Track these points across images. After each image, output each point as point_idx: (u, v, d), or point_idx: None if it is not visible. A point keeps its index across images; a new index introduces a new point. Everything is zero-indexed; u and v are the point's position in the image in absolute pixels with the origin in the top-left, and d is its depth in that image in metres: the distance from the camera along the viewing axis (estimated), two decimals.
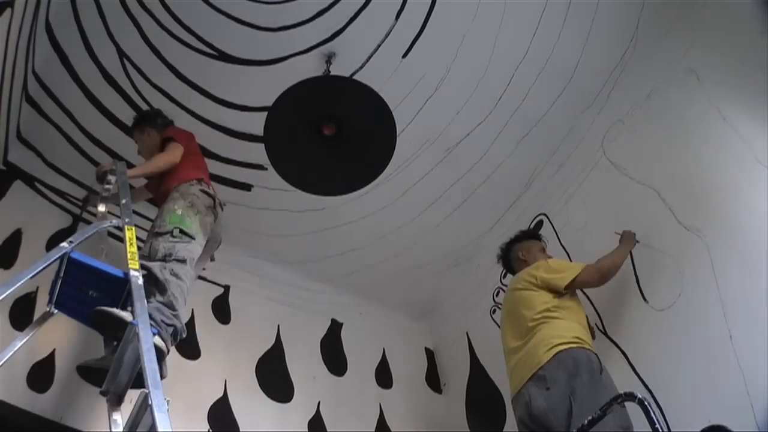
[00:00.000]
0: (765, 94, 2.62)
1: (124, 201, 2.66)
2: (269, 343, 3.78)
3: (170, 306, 2.42)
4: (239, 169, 3.87)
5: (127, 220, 2.52)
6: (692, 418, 2.41)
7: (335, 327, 4.18)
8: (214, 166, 3.80)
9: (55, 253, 2.16)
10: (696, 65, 3.09)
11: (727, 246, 2.65)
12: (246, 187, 3.93)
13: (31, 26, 3.08)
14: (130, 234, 2.42)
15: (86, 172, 3.66)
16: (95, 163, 3.67)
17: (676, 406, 2.57)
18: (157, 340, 2.25)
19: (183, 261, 2.55)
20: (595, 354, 2.55)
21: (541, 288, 2.77)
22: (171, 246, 2.57)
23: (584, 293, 3.26)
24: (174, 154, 3.05)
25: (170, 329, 2.39)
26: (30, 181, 3.50)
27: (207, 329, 3.56)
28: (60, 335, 2.92)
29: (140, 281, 2.23)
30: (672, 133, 3.13)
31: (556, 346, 2.52)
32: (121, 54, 3.48)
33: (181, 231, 2.63)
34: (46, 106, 3.51)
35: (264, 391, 3.54)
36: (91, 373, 2.41)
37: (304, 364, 3.81)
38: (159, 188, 3.11)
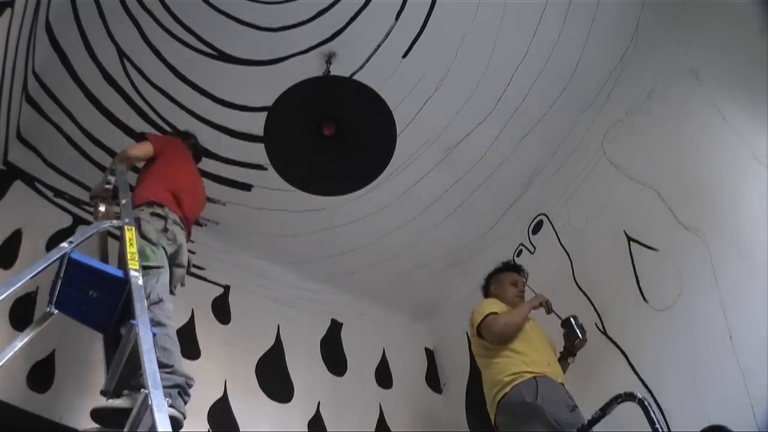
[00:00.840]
0: (765, 94, 2.62)
1: (123, 201, 2.63)
2: (269, 343, 3.78)
3: (161, 366, 2.12)
4: (239, 169, 3.87)
5: (126, 220, 2.51)
6: (692, 418, 2.41)
7: (335, 327, 4.18)
8: (214, 166, 3.81)
9: (55, 254, 2.15)
10: (696, 65, 3.09)
11: (727, 246, 2.65)
12: (246, 187, 3.93)
13: (31, 26, 3.08)
14: (129, 234, 2.41)
15: (86, 172, 3.66)
16: (95, 163, 3.68)
17: (676, 406, 2.57)
18: (171, 411, 2.02)
19: (159, 301, 2.37)
20: (531, 378, 2.59)
21: (473, 334, 2.93)
22: (145, 284, 2.33)
23: (584, 293, 3.27)
24: (138, 147, 2.98)
25: (174, 390, 2.21)
26: (30, 181, 3.50)
27: (207, 329, 3.56)
28: (60, 335, 2.91)
29: (140, 281, 2.22)
30: (672, 133, 3.13)
31: (496, 395, 2.69)
32: (121, 54, 3.48)
33: (146, 267, 2.40)
34: (46, 106, 3.51)
35: (264, 391, 3.54)
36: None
37: (304, 364, 3.81)
38: None
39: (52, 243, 3.33)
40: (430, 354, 4.46)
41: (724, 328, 2.50)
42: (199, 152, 3.45)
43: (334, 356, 4.01)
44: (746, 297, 2.48)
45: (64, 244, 2.17)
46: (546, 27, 3.47)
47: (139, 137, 3.30)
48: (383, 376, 4.11)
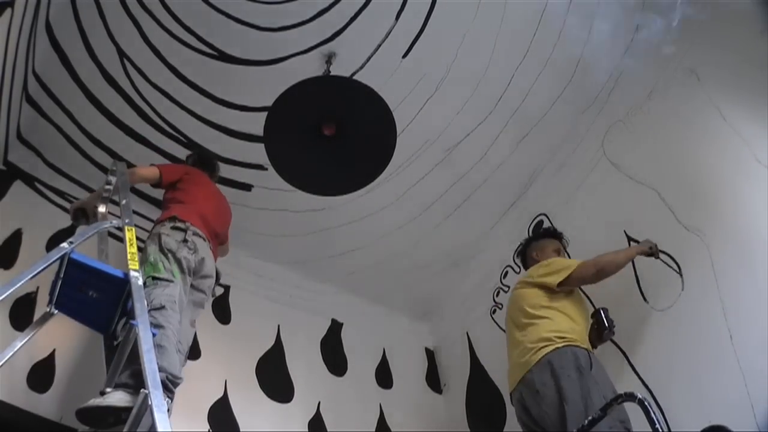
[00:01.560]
0: (765, 94, 2.62)
1: (123, 202, 2.64)
2: (269, 343, 3.78)
3: None
4: (239, 169, 3.87)
5: (127, 220, 2.50)
6: (692, 418, 2.41)
7: (335, 327, 4.18)
8: None
9: (55, 254, 2.16)
10: (696, 65, 3.09)
11: (727, 246, 2.65)
12: (246, 187, 3.93)
13: (31, 26, 3.08)
14: (130, 235, 2.41)
15: (86, 172, 3.67)
16: (95, 163, 3.68)
17: (676, 406, 2.57)
18: None
19: (161, 308, 2.38)
20: (585, 349, 2.55)
21: (536, 286, 2.80)
22: (148, 294, 2.38)
23: (584, 293, 3.26)
24: (147, 169, 3.06)
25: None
26: (30, 181, 3.50)
27: (207, 329, 3.55)
28: (60, 335, 2.92)
29: (140, 282, 2.22)
30: (672, 133, 3.13)
31: (542, 348, 2.54)
32: (121, 54, 3.48)
33: (155, 278, 2.49)
34: (46, 106, 3.51)
35: (264, 391, 3.54)
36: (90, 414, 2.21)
37: (304, 364, 3.81)
38: None
39: (52, 243, 3.33)
40: (430, 354, 4.46)
41: (724, 328, 2.50)
42: (207, 162, 3.43)
43: (334, 356, 4.01)
44: (746, 297, 2.48)
45: (64, 245, 2.18)
46: (546, 27, 3.47)
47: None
48: (383, 376, 4.11)
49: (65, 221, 3.48)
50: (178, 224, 2.77)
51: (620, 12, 3.42)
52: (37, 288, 3.06)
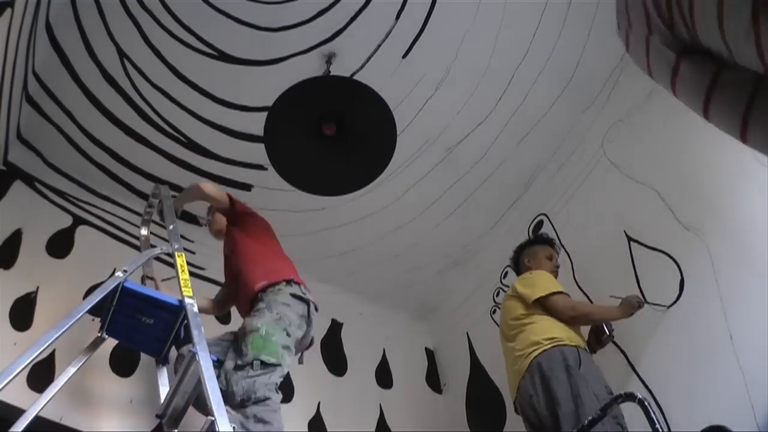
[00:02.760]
0: None
1: (171, 227, 2.55)
2: None
3: None
4: (239, 169, 3.87)
5: (176, 246, 2.46)
6: (692, 418, 2.41)
7: (335, 327, 4.18)
8: (214, 167, 3.81)
9: (112, 283, 2.18)
10: None
11: (727, 246, 2.65)
12: (246, 187, 3.93)
13: (31, 26, 3.08)
14: (181, 261, 2.39)
15: (86, 172, 3.67)
16: (95, 163, 3.68)
17: (676, 406, 2.57)
18: None
19: (265, 399, 2.15)
20: (575, 346, 2.57)
21: (517, 298, 2.86)
22: (251, 384, 2.13)
23: (584, 293, 3.27)
24: (221, 193, 2.73)
25: None
26: (30, 181, 3.50)
27: (207, 329, 3.51)
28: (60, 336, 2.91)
29: (195, 308, 2.21)
30: (672, 133, 3.13)
31: (531, 353, 2.59)
32: (121, 54, 3.48)
33: (263, 363, 2.18)
34: (46, 106, 3.51)
35: None
36: None
37: (304, 364, 3.80)
38: (239, 288, 2.60)
39: (52, 243, 3.33)
40: (430, 354, 4.46)
41: (724, 328, 2.50)
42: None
43: (334, 356, 4.01)
44: (746, 297, 2.48)
45: (119, 274, 2.22)
46: (546, 27, 3.46)
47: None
48: (383, 376, 4.11)
49: (65, 221, 3.49)
50: (298, 292, 2.43)
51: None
52: (37, 288, 3.06)
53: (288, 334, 2.31)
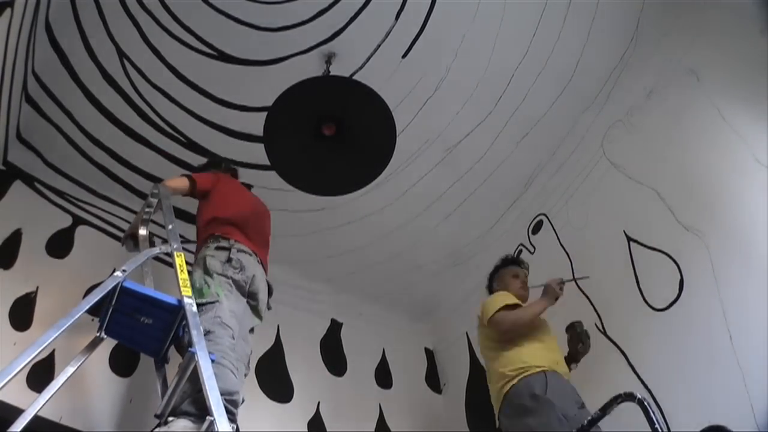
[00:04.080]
0: (765, 94, 2.62)
1: (170, 227, 2.57)
2: (269, 343, 3.77)
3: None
4: (239, 169, 3.85)
5: (175, 246, 2.46)
6: (692, 418, 2.41)
7: (335, 327, 4.18)
8: None
9: (111, 283, 2.17)
10: (696, 65, 3.09)
11: (727, 246, 2.65)
12: (246, 187, 3.92)
13: (31, 26, 3.08)
14: (179, 261, 2.38)
15: (86, 172, 3.67)
16: (95, 163, 3.68)
17: (676, 406, 2.57)
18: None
19: (207, 333, 2.28)
20: (540, 372, 2.57)
21: (481, 325, 2.92)
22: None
23: (584, 293, 3.27)
24: (176, 180, 2.95)
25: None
26: (30, 181, 3.50)
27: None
28: (60, 335, 2.91)
29: (194, 308, 2.22)
30: (672, 133, 3.13)
31: (501, 389, 2.65)
32: (121, 54, 3.48)
33: (199, 305, 2.36)
34: (46, 106, 3.51)
35: (264, 391, 3.53)
36: None
37: (304, 364, 3.81)
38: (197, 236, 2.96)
39: (52, 243, 3.33)
40: (430, 354, 4.46)
41: (724, 328, 2.50)
42: (227, 167, 3.40)
43: (334, 356, 4.01)
44: (746, 297, 2.48)
45: (118, 273, 2.20)
46: (546, 27, 3.47)
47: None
48: (383, 376, 4.11)
49: (65, 221, 3.48)
50: (222, 243, 2.69)
51: (620, 12, 3.42)
52: (37, 288, 3.06)
53: (215, 277, 2.55)
